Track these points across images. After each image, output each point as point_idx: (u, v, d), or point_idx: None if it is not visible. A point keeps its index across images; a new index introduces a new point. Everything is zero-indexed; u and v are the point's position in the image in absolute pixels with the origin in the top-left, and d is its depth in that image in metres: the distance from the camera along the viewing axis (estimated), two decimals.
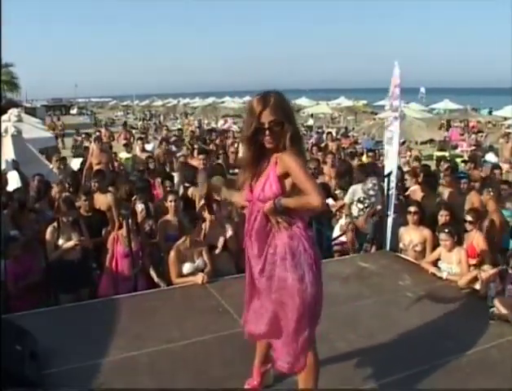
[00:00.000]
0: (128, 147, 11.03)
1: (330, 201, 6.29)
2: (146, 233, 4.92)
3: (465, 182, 6.46)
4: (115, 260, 4.55)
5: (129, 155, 10.40)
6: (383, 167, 8.17)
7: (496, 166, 8.29)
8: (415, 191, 6.35)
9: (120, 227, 4.65)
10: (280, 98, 2.26)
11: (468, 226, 4.69)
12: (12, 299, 4.15)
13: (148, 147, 11.09)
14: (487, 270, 4.17)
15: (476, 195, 5.79)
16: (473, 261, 4.50)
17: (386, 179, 5.43)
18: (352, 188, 5.95)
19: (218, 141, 12.41)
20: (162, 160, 9.19)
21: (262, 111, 2.22)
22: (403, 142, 15.27)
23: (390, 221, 5.38)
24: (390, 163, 5.48)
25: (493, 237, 4.95)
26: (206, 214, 4.71)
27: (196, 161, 8.09)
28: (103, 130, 13.92)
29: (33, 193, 6.18)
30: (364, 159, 10.13)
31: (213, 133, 15.12)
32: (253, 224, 2.37)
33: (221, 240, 4.70)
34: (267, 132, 2.23)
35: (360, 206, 5.78)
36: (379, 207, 5.85)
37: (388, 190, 5.41)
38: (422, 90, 33.85)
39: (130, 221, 4.54)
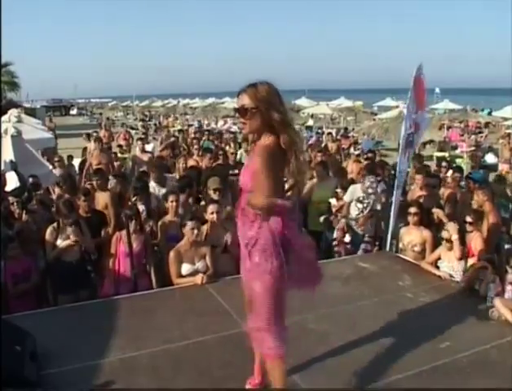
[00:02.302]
0: (121, 147, 11.06)
1: (333, 201, 6.28)
2: (146, 233, 4.91)
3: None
4: (117, 259, 4.56)
5: (124, 156, 10.44)
6: (383, 168, 8.17)
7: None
8: (414, 191, 6.33)
9: (121, 227, 4.65)
10: (261, 87, 2.35)
11: (468, 227, 4.69)
12: (11, 300, 4.15)
13: (148, 147, 11.08)
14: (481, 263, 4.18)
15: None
16: (471, 261, 4.50)
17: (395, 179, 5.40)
18: (352, 187, 5.95)
19: (216, 142, 12.42)
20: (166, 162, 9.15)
21: (238, 96, 2.40)
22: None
23: (391, 222, 5.36)
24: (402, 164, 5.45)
25: (490, 237, 4.96)
26: (208, 215, 4.71)
27: (193, 162, 8.09)
28: (102, 131, 13.91)
29: (27, 194, 6.18)
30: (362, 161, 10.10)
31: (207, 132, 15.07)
32: (240, 208, 2.51)
33: (226, 237, 4.68)
34: (237, 115, 2.39)
35: (359, 206, 5.78)
36: (378, 207, 5.84)
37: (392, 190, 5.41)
38: (437, 90, 34.00)
39: (132, 221, 4.55)
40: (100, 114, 43.80)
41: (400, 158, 5.37)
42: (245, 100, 2.35)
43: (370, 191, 5.73)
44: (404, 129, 5.24)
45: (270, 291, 2.43)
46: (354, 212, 5.84)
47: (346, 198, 5.91)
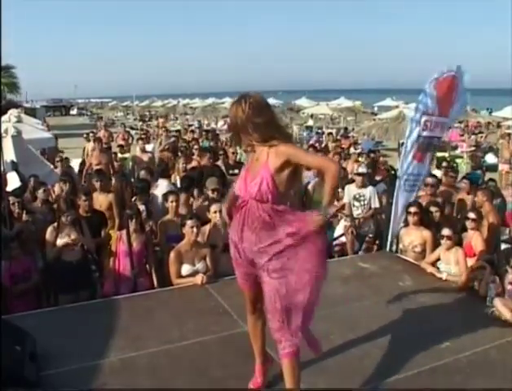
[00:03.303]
0: (122, 148, 11.06)
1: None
2: (147, 233, 4.91)
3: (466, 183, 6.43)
4: (117, 259, 4.56)
5: (124, 156, 10.46)
6: (385, 169, 8.17)
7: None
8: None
9: (121, 227, 4.65)
10: (242, 102, 2.40)
11: (470, 224, 4.68)
12: (11, 300, 4.14)
13: (149, 147, 11.05)
14: (479, 263, 4.18)
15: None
16: (471, 261, 4.50)
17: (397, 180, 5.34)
18: (347, 187, 5.99)
19: (212, 143, 12.43)
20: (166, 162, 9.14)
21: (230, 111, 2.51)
22: (403, 144, 15.24)
23: (391, 222, 5.35)
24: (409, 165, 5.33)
25: (490, 237, 4.95)
26: (211, 214, 4.71)
27: (195, 162, 8.11)
28: (102, 131, 13.88)
29: (28, 194, 6.17)
30: (362, 159, 10.09)
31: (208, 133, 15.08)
32: (251, 219, 2.45)
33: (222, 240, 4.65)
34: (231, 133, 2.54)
35: (357, 204, 5.80)
36: (377, 205, 5.83)
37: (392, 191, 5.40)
38: None
39: (133, 220, 4.56)
40: (99, 115, 43.80)
41: (410, 161, 5.16)
42: (230, 119, 2.49)
43: (360, 170, 5.82)
44: (409, 130, 5.09)
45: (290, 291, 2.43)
46: (354, 211, 5.86)
47: (345, 199, 5.95)
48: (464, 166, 13.97)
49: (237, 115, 2.41)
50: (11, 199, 5.25)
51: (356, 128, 24.81)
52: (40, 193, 5.74)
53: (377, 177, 7.42)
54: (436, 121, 5.07)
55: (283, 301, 2.43)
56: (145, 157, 9.52)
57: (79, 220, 4.66)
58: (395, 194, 5.26)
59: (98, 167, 7.77)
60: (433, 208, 4.97)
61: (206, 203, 5.39)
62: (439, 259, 4.64)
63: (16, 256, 4.33)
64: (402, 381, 2.95)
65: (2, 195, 5.50)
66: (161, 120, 30.88)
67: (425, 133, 5.05)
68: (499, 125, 25.01)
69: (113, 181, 6.50)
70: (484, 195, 5.36)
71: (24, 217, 5.15)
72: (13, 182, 7.07)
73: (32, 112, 25.27)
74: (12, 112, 10.85)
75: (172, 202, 5.05)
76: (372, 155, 9.62)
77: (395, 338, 3.43)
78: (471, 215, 4.70)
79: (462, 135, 21.94)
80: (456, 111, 5.32)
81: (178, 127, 25.57)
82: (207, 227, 4.71)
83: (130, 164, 10.08)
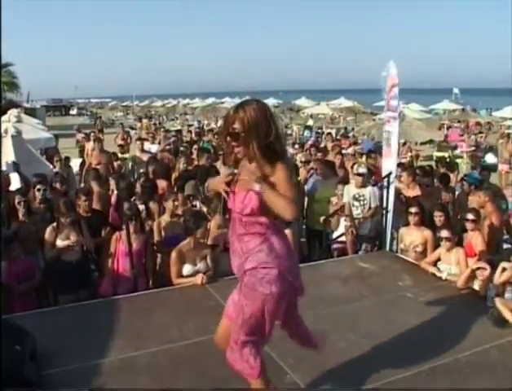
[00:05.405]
0: (122, 148, 11.06)
1: (333, 200, 6.31)
2: (147, 232, 4.91)
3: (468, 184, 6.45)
4: (116, 259, 4.56)
5: (124, 156, 10.46)
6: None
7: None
8: (407, 191, 6.29)
9: (115, 228, 4.66)
10: (251, 108, 2.23)
11: (469, 225, 4.68)
12: (12, 299, 4.14)
13: (153, 148, 10.99)
14: (479, 263, 4.18)
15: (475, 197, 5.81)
16: (471, 261, 4.50)
17: (386, 180, 5.44)
18: (346, 187, 5.99)
19: (214, 143, 12.40)
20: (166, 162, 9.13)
21: (229, 118, 2.27)
22: (404, 143, 15.29)
23: (389, 221, 5.38)
24: (389, 163, 5.49)
25: (492, 238, 4.95)
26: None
27: (195, 162, 8.11)
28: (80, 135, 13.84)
29: (31, 194, 6.16)
30: (360, 159, 10.07)
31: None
32: (235, 232, 2.46)
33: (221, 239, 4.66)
34: (229, 138, 2.28)
35: (356, 204, 5.80)
36: (377, 203, 5.84)
37: (387, 190, 5.43)
38: (456, 90, 33.55)
39: (133, 220, 4.55)
40: (97, 115, 43.74)
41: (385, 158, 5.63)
42: (236, 124, 2.24)
43: (361, 170, 5.83)
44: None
45: (257, 314, 2.36)
46: (354, 211, 5.85)
47: (344, 199, 5.95)
48: (464, 166, 14.00)
49: (252, 117, 2.20)
50: (17, 197, 5.22)
51: (356, 128, 24.84)
52: (38, 192, 5.71)
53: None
54: (388, 116, 5.53)
55: (246, 319, 2.37)
56: (145, 157, 9.51)
57: (78, 220, 4.66)
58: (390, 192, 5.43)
59: (97, 167, 7.77)
60: (437, 213, 4.96)
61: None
62: (439, 259, 4.64)
63: (17, 255, 4.31)
64: (402, 381, 2.95)
65: (2, 195, 5.49)
66: (144, 121, 28.37)
67: (386, 128, 5.56)
68: (489, 124, 25.18)
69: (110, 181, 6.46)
70: (486, 195, 5.36)
71: (21, 217, 5.11)
72: (14, 183, 7.06)
73: (32, 112, 25.18)
74: (12, 112, 10.82)
75: (170, 203, 5.03)
76: (373, 155, 9.59)
77: (394, 338, 3.43)
78: (470, 216, 4.70)
79: (462, 135, 21.95)
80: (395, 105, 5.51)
81: (179, 127, 25.51)
82: (209, 225, 4.71)
83: (130, 164, 10.08)
